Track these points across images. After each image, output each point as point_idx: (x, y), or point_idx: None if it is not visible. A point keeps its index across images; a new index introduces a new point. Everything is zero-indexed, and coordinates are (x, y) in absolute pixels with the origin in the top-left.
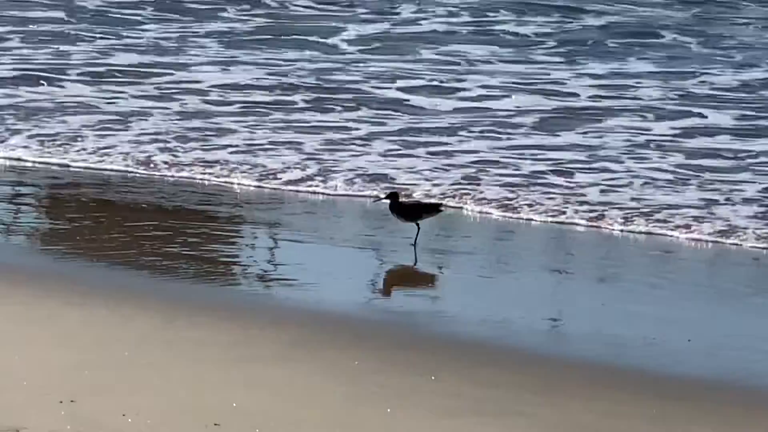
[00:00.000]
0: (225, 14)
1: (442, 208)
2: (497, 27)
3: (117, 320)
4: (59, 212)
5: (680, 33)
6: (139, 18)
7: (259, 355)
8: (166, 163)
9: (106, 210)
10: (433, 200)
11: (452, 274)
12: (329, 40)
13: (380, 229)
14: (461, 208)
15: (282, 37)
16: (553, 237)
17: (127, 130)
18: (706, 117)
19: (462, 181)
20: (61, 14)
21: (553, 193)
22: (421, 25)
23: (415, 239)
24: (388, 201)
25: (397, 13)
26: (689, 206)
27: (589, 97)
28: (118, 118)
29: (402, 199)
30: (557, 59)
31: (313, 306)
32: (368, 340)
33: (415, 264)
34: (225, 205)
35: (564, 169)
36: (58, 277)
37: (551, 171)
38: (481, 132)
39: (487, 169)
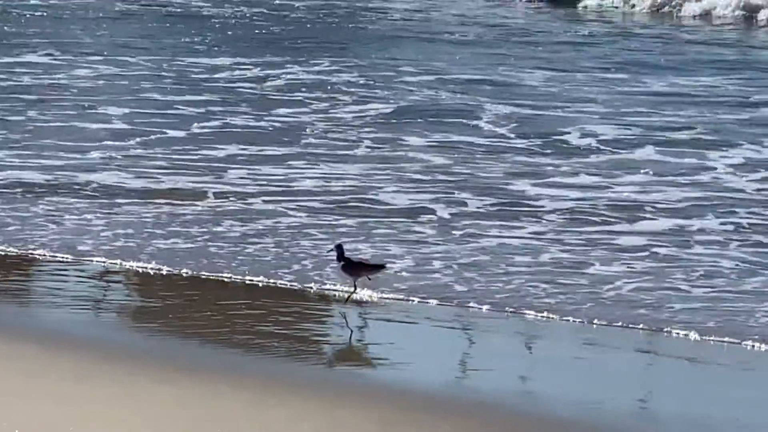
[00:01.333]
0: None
1: (386, 268)
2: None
3: (209, 398)
4: (151, 289)
5: None
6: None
7: None
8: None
9: (198, 288)
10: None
11: (540, 353)
12: (473, 122)
13: (470, 308)
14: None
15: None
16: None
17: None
18: None
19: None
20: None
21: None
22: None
23: (349, 297)
24: (336, 252)
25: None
26: None
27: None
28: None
29: (348, 255)
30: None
31: (403, 386)
32: (459, 421)
33: (349, 335)
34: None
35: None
36: (150, 355)
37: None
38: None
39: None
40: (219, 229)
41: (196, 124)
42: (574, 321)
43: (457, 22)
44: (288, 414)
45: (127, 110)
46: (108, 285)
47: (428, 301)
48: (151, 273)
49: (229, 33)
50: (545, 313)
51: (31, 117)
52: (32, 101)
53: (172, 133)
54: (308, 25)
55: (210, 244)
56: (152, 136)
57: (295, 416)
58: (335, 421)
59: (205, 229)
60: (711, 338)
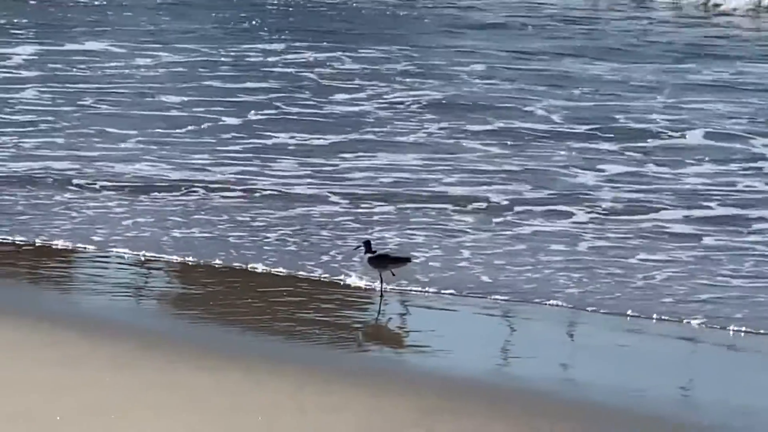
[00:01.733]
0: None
1: (411, 261)
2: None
3: (249, 386)
4: (192, 277)
5: None
6: None
7: (391, 423)
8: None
9: (239, 275)
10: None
11: (580, 340)
12: (530, 110)
13: (509, 294)
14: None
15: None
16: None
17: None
18: None
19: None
20: None
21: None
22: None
23: (380, 290)
24: (363, 248)
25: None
26: None
27: None
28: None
29: (374, 249)
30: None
31: (446, 373)
32: (501, 408)
33: (377, 317)
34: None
35: None
36: (191, 342)
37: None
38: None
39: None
40: (249, 219)
41: (253, 112)
42: (593, 312)
43: (519, 11)
44: (328, 402)
45: (185, 98)
46: (148, 272)
47: (444, 292)
48: (188, 262)
49: (291, 20)
50: (564, 304)
51: (85, 105)
52: (89, 89)
53: (228, 120)
54: (362, 12)
55: (239, 234)
56: (204, 125)
57: (335, 404)
58: (375, 408)
59: (236, 219)
60: (735, 328)
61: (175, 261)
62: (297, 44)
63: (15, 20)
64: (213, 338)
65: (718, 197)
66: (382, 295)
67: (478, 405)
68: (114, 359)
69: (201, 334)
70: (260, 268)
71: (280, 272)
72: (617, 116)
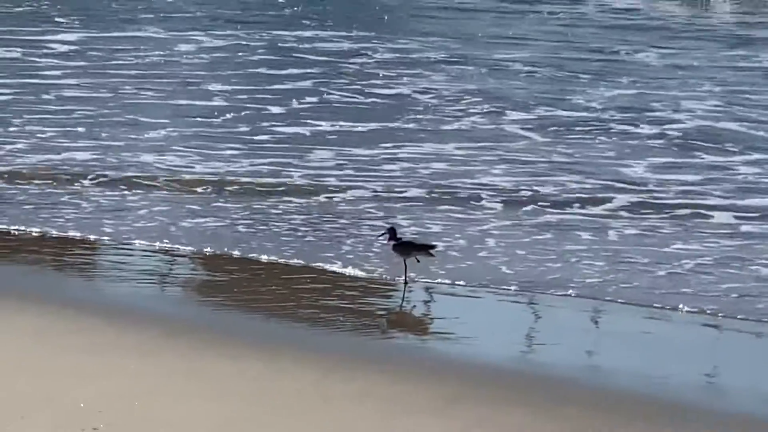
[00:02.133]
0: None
1: (433, 250)
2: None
3: (272, 373)
4: (216, 264)
5: None
6: None
7: (415, 410)
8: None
9: (263, 262)
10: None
11: (605, 327)
12: (574, 101)
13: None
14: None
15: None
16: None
17: None
18: None
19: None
20: None
21: None
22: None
23: (405, 277)
24: (387, 235)
25: None
26: None
27: None
28: None
29: (399, 236)
30: None
31: (469, 360)
32: (523, 396)
33: (401, 304)
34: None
35: None
36: (215, 329)
37: None
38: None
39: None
40: (270, 209)
41: (295, 100)
42: (614, 301)
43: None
44: (352, 389)
45: (228, 86)
46: (173, 260)
47: (457, 283)
48: (208, 253)
49: (328, 9)
50: (581, 294)
51: (125, 93)
52: (131, 77)
53: (273, 109)
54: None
55: (257, 226)
56: (243, 113)
57: (358, 391)
58: (399, 396)
59: (255, 209)
60: (760, 318)
61: (194, 250)
62: (337, 32)
63: (59, 6)
64: (237, 325)
65: (764, 187)
66: (406, 282)
67: (502, 392)
68: (138, 346)
69: (225, 322)
70: (270, 258)
71: (300, 263)
72: (662, 105)
